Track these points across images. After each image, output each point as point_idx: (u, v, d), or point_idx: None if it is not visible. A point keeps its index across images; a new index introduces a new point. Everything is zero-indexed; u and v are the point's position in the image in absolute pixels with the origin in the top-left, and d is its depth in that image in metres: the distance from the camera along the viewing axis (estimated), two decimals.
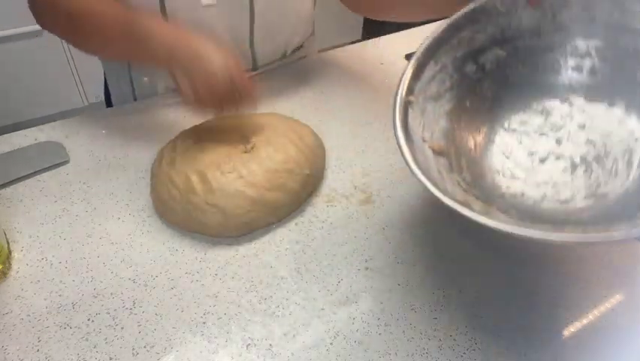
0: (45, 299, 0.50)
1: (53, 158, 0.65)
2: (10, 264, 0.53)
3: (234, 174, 0.56)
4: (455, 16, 0.55)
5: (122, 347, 0.46)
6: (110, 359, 0.46)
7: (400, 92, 0.50)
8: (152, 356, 0.46)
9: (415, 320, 0.49)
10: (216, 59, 0.55)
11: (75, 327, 0.48)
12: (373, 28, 0.80)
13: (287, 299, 0.50)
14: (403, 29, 0.94)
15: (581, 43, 0.55)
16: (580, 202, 0.49)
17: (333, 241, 0.56)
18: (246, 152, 0.59)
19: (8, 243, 0.54)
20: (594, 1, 0.53)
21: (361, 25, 1.69)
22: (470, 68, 0.56)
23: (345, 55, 0.87)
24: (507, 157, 0.54)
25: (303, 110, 0.73)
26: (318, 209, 0.60)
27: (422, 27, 0.87)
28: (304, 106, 0.75)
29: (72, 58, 1.78)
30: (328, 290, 0.51)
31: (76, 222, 0.58)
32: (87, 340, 0.47)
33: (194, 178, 0.56)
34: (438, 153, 0.50)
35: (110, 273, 0.53)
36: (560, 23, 0.55)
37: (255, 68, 0.77)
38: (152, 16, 0.57)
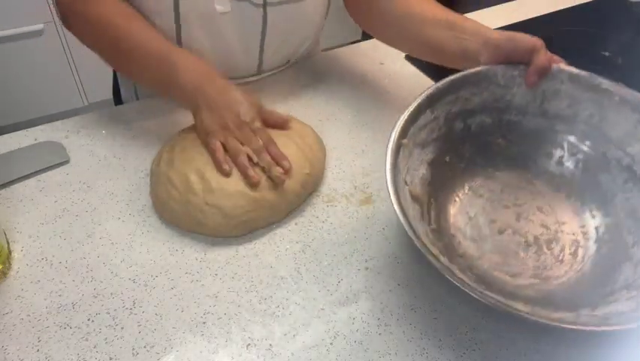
0: (45, 299, 0.50)
1: (53, 158, 0.65)
2: (10, 264, 0.53)
3: (234, 174, 0.56)
4: (461, 74, 0.57)
5: (122, 347, 0.46)
6: (110, 359, 0.46)
7: (394, 133, 0.52)
8: (152, 356, 0.46)
9: (415, 320, 0.49)
10: (241, 94, 0.59)
11: (75, 327, 0.48)
12: None
13: (287, 299, 0.50)
14: None
15: (558, 135, 0.59)
16: (526, 279, 0.51)
17: (333, 241, 0.56)
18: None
19: (8, 243, 0.54)
20: (580, 101, 0.57)
21: None
22: (458, 125, 0.59)
23: (345, 55, 0.87)
24: (470, 219, 0.57)
25: (303, 109, 0.73)
26: (318, 209, 0.60)
27: None
28: (304, 106, 0.75)
29: (72, 58, 1.78)
30: (328, 290, 0.51)
31: (76, 222, 0.58)
32: (87, 340, 0.47)
33: (193, 178, 0.56)
34: (414, 198, 0.52)
35: (110, 273, 0.53)
36: (546, 111, 0.59)
37: (259, 73, 0.78)
38: (182, 51, 0.62)
